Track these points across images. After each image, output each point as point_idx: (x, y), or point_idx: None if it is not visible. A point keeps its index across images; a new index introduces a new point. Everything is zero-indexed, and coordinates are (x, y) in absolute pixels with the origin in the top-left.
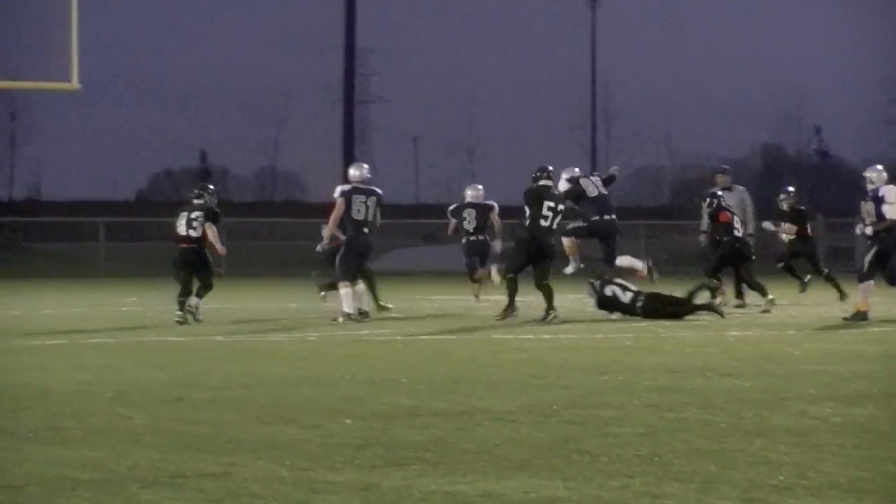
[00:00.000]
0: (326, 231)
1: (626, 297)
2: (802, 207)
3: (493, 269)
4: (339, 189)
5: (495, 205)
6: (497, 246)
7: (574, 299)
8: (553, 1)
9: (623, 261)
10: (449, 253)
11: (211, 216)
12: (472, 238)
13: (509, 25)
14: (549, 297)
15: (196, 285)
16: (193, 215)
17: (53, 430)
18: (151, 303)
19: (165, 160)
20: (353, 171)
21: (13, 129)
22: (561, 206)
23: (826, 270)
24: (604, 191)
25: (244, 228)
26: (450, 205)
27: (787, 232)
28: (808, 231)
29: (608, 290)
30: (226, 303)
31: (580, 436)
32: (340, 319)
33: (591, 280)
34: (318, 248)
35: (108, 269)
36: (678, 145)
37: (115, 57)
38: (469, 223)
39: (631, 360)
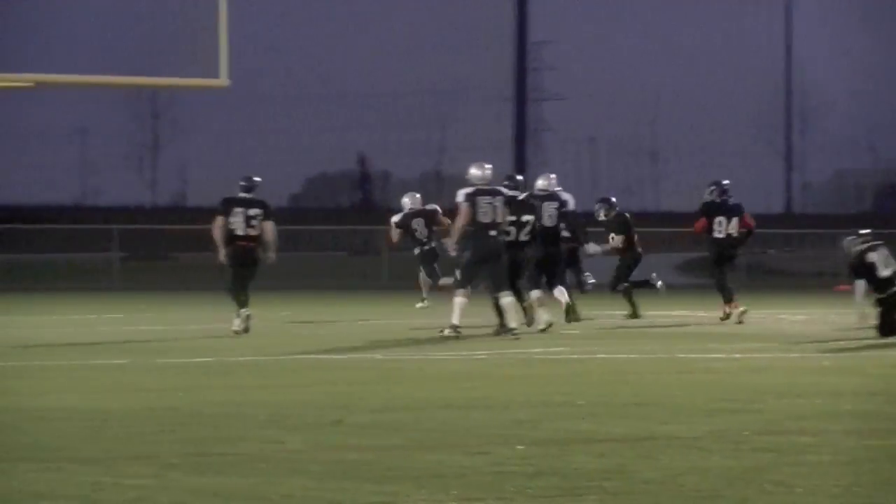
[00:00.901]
0: (451, 241)
1: None
2: (627, 215)
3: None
4: (461, 193)
5: (438, 208)
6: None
7: (765, 315)
8: None
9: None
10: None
11: (269, 213)
12: (426, 247)
13: (695, 16)
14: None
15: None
16: (252, 212)
17: (201, 455)
18: (301, 316)
19: (322, 164)
20: (474, 171)
21: (156, 131)
22: (526, 217)
23: (626, 285)
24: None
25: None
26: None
27: (615, 246)
28: (635, 241)
29: None
30: (389, 318)
31: (774, 464)
32: (446, 332)
33: None
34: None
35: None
36: (883, 147)
37: (267, 54)
38: (420, 233)
39: (830, 382)
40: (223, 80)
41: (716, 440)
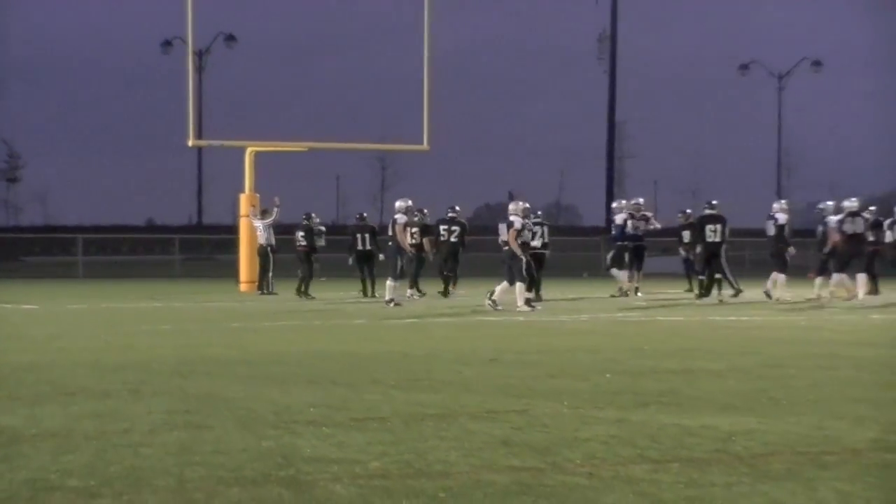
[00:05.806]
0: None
1: None
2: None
3: None
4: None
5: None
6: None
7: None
8: None
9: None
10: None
11: None
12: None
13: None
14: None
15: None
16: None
17: (411, 380)
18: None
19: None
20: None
21: (383, 176)
22: None
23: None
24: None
25: None
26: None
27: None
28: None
29: None
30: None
31: (769, 387)
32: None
33: None
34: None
35: None
36: None
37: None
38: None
39: (803, 335)
40: (425, 146)
41: (733, 371)
